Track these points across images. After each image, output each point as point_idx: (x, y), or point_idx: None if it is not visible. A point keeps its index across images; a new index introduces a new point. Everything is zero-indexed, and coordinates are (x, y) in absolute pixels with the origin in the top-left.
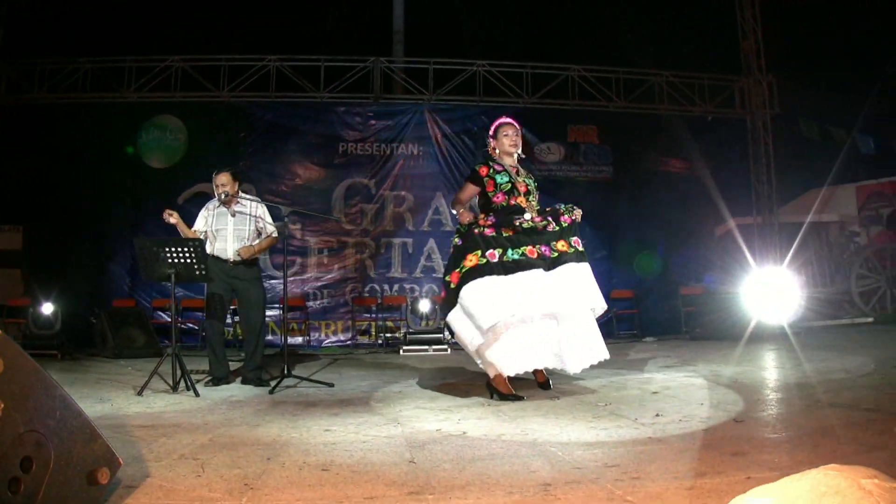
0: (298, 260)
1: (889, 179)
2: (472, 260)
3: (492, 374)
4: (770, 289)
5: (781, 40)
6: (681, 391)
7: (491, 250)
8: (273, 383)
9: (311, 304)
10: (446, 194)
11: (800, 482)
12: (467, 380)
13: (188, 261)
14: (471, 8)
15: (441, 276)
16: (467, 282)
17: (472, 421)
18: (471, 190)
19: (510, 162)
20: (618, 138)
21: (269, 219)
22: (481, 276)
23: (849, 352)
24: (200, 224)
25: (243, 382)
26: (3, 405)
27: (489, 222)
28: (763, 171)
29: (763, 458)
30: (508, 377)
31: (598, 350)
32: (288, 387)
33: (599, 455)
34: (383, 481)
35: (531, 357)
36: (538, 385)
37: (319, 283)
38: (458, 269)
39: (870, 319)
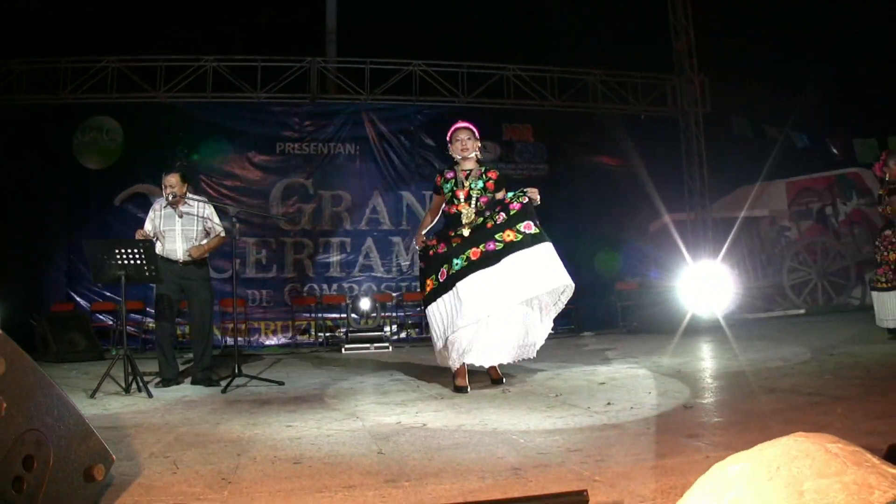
0: (237, 260)
1: (818, 175)
2: (429, 284)
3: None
4: (704, 283)
5: (714, 40)
6: (627, 381)
7: (442, 269)
8: (223, 383)
9: (250, 304)
10: (383, 193)
11: (772, 448)
12: (414, 376)
13: (138, 262)
14: (405, 7)
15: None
16: (428, 304)
17: (430, 414)
18: (436, 200)
19: (468, 165)
20: (553, 136)
21: (216, 219)
22: (436, 297)
23: (784, 342)
24: (149, 227)
25: (193, 383)
26: (5, 405)
27: (435, 242)
28: (695, 168)
29: (717, 440)
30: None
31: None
32: (239, 386)
33: (560, 441)
34: (357, 471)
35: (484, 355)
36: (491, 381)
37: (258, 283)
38: (422, 291)
39: (801, 311)
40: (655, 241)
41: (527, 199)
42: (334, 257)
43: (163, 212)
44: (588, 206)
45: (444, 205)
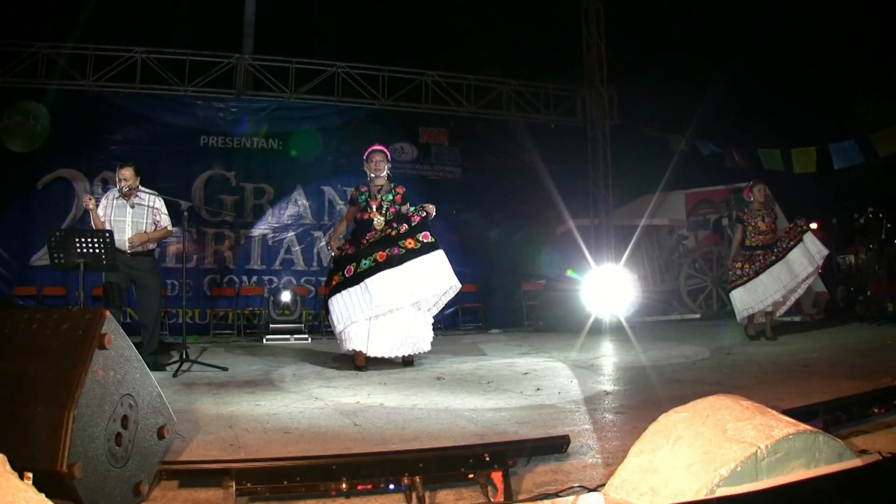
0: (158, 250)
1: (716, 188)
2: (335, 279)
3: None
4: (607, 286)
5: (624, 54)
6: (547, 372)
7: (349, 266)
8: (170, 368)
9: (169, 293)
10: (306, 188)
11: (702, 402)
12: (348, 365)
13: (97, 251)
14: (328, 9)
15: (299, 269)
16: (331, 296)
17: (381, 396)
18: (350, 210)
19: (379, 182)
20: (467, 141)
21: (165, 211)
22: (340, 290)
23: (683, 342)
24: (101, 211)
25: None
26: (112, 372)
27: (346, 245)
28: (601, 176)
29: (640, 415)
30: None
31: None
32: (184, 371)
33: (508, 416)
34: (346, 438)
35: (381, 346)
36: (402, 363)
37: (177, 274)
38: (327, 285)
39: (697, 315)
40: (561, 244)
41: (424, 214)
42: (255, 250)
43: (115, 202)
44: (498, 209)
45: (357, 213)
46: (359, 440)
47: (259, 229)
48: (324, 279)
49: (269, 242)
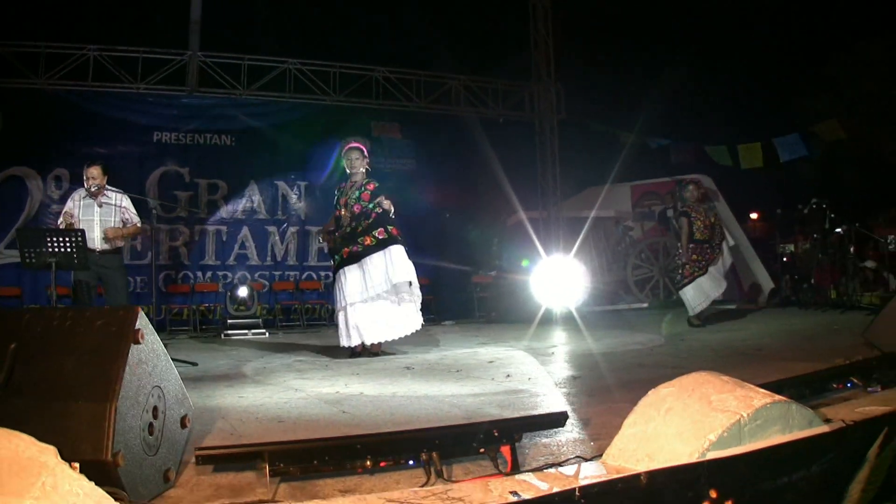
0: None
1: (660, 180)
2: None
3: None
4: (557, 276)
5: (572, 49)
6: (511, 360)
7: (332, 259)
8: None
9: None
10: (259, 183)
11: (687, 378)
12: (313, 357)
13: (68, 250)
14: (278, 6)
15: (253, 264)
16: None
17: (358, 385)
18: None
19: (355, 178)
20: (419, 134)
21: (133, 210)
22: (335, 275)
23: (636, 330)
24: (69, 206)
25: None
26: (146, 364)
27: (329, 238)
28: (549, 169)
29: (615, 397)
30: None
31: (413, 322)
32: None
33: (488, 400)
34: (340, 425)
35: (356, 334)
36: (368, 354)
37: (133, 270)
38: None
39: (645, 305)
40: (511, 235)
41: (381, 210)
42: (210, 245)
43: (82, 202)
44: (450, 201)
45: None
46: (353, 426)
47: (213, 225)
48: (277, 273)
49: (224, 238)
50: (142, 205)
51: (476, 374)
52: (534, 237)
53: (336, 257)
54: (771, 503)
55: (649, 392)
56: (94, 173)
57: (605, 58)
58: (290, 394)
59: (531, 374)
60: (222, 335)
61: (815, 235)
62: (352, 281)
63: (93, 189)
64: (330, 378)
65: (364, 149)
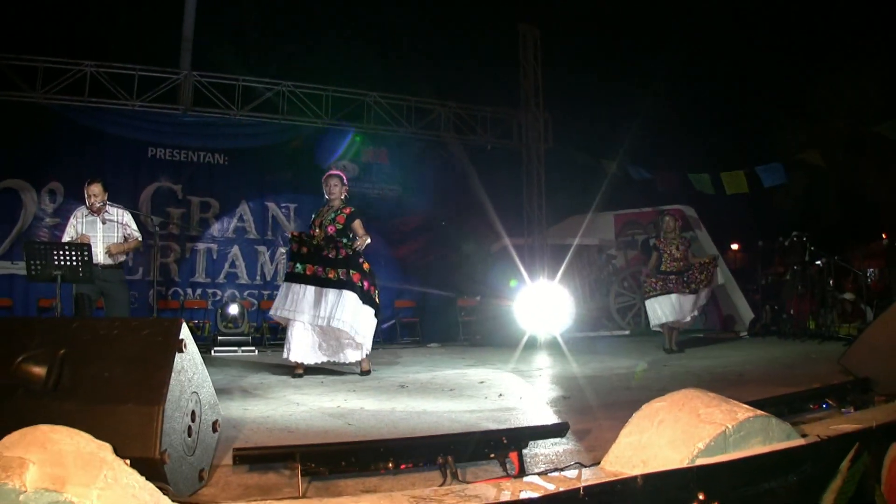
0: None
1: (643, 210)
2: (287, 267)
3: None
4: (542, 302)
5: (560, 79)
6: (500, 380)
7: (291, 263)
8: None
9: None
10: (250, 203)
11: (678, 394)
12: (309, 374)
13: (74, 264)
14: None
15: (243, 282)
16: (284, 282)
17: (357, 401)
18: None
19: (333, 204)
20: (407, 161)
21: (134, 225)
22: (287, 280)
23: (619, 356)
24: (72, 234)
25: None
26: (188, 372)
27: (298, 242)
28: (535, 197)
29: (603, 415)
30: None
31: (345, 354)
32: None
33: (485, 416)
34: (348, 436)
35: (304, 352)
36: (360, 373)
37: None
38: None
39: (626, 332)
40: (496, 261)
41: (352, 251)
42: (200, 263)
43: (84, 219)
44: (435, 227)
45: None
46: (360, 437)
47: (204, 243)
48: (266, 293)
49: (214, 256)
50: (144, 222)
51: (469, 393)
52: (518, 263)
53: (298, 267)
54: None
55: (643, 406)
56: (96, 191)
57: (590, 87)
58: (293, 407)
59: (522, 393)
60: (212, 351)
61: (795, 267)
62: (308, 298)
63: (95, 206)
64: (328, 394)
65: (344, 177)
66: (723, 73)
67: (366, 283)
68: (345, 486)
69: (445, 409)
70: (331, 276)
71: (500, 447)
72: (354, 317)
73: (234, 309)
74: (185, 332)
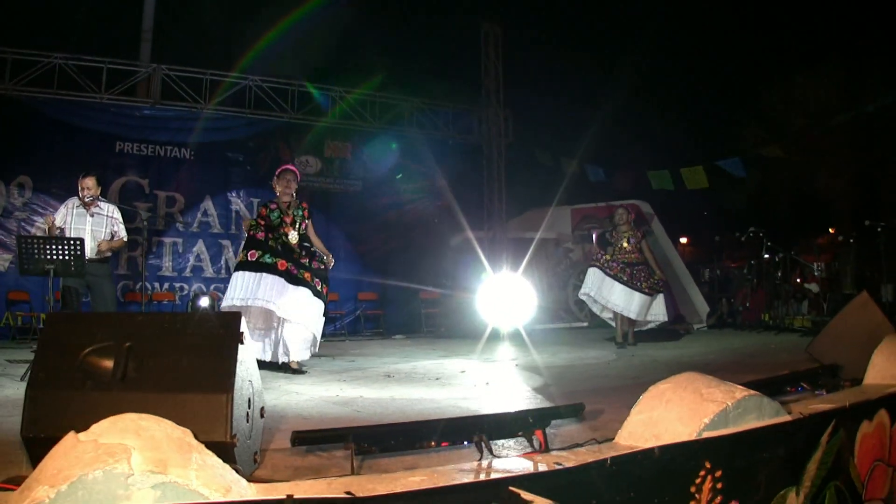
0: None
1: (599, 204)
2: (240, 256)
3: None
4: (504, 294)
5: (521, 76)
6: (481, 370)
7: (252, 251)
8: None
9: (84, 299)
10: (214, 198)
11: (680, 376)
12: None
13: (66, 258)
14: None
15: (208, 276)
16: (235, 271)
17: (352, 390)
18: (246, 222)
19: (286, 199)
20: (369, 155)
21: (121, 221)
22: (238, 270)
23: (585, 347)
24: (59, 219)
25: None
26: (244, 362)
27: (262, 233)
28: (495, 191)
29: (596, 399)
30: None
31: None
32: None
33: (481, 403)
34: (362, 421)
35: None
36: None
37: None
38: (237, 260)
39: (585, 324)
40: (457, 254)
41: (322, 266)
42: (166, 257)
43: (75, 210)
44: (397, 220)
45: (267, 230)
46: (375, 422)
47: (170, 237)
48: None
49: (180, 250)
50: (127, 215)
51: (456, 382)
52: (482, 256)
53: (267, 258)
54: (750, 473)
55: (650, 388)
56: (90, 184)
57: (552, 84)
58: (295, 397)
59: (508, 382)
60: None
61: (752, 262)
62: (274, 290)
63: (87, 199)
64: (321, 384)
65: (297, 173)
66: (679, 72)
67: (325, 290)
68: (386, 463)
69: (442, 397)
70: (305, 276)
71: (527, 426)
72: (316, 323)
73: (204, 301)
74: (244, 325)
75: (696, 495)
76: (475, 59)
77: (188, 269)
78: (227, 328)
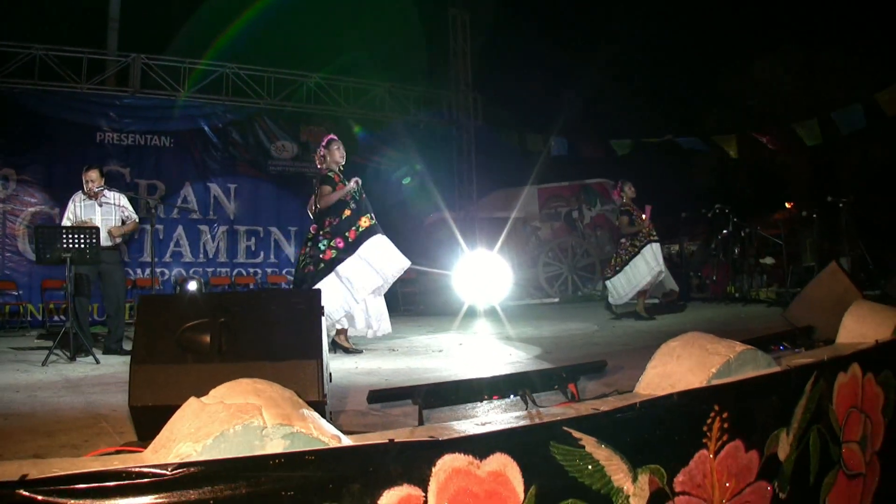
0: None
1: (566, 183)
2: (365, 221)
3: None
4: (479, 272)
5: (490, 58)
6: (476, 342)
7: (371, 214)
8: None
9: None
10: (193, 184)
11: (687, 335)
12: None
13: (82, 246)
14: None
15: (187, 261)
16: (368, 237)
17: (368, 363)
18: (327, 189)
19: (336, 170)
20: (344, 139)
21: (130, 207)
22: (377, 233)
23: (566, 320)
24: (71, 218)
25: (105, 352)
26: (323, 334)
27: (350, 210)
28: (465, 172)
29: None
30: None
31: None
32: None
33: (498, 369)
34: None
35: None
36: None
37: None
38: (355, 228)
39: (556, 300)
40: (431, 233)
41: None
42: (147, 242)
43: (83, 203)
44: (372, 201)
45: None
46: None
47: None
48: (210, 270)
49: (160, 236)
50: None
51: (459, 353)
52: (458, 235)
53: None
54: (750, 416)
55: (661, 346)
56: (93, 176)
57: (519, 66)
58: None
59: (507, 352)
60: None
61: (718, 237)
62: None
63: (93, 191)
64: (334, 358)
65: None
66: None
67: None
68: (444, 416)
69: (454, 365)
70: (364, 223)
71: (561, 380)
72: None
73: (192, 285)
74: (324, 301)
75: (708, 433)
76: (444, 44)
77: (168, 255)
78: (309, 303)
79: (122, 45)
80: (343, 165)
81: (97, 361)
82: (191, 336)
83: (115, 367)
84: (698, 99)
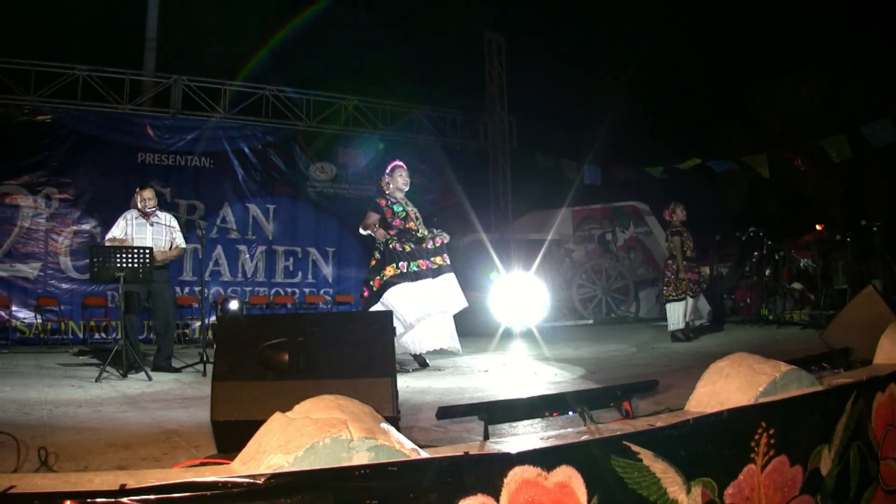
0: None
1: (599, 206)
2: (390, 271)
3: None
4: (515, 294)
5: (523, 84)
6: (519, 363)
7: (402, 262)
8: (186, 370)
9: (110, 304)
10: (232, 205)
11: (734, 356)
12: None
13: (135, 265)
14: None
15: (226, 280)
16: (389, 287)
17: (416, 383)
18: (373, 217)
19: (400, 196)
20: (382, 161)
21: (179, 230)
22: (400, 282)
23: (602, 342)
24: (117, 232)
25: (154, 370)
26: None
27: (398, 244)
28: (500, 194)
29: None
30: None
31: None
32: (198, 371)
33: (548, 388)
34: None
35: (432, 340)
36: (418, 363)
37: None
38: (379, 277)
39: (590, 321)
40: (466, 254)
41: (443, 240)
42: (187, 262)
43: (135, 221)
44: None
45: (394, 220)
46: (463, 401)
47: (190, 243)
48: (248, 289)
49: (200, 255)
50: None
51: (506, 374)
52: (494, 256)
53: (413, 266)
54: (795, 433)
55: (710, 365)
56: (149, 195)
57: (554, 90)
58: None
59: (550, 372)
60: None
61: (752, 260)
62: (430, 292)
63: (147, 210)
64: None
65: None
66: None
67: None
68: (501, 431)
69: (504, 385)
70: (439, 262)
71: (616, 398)
72: (462, 294)
73: (234, 304)
74: (393, 322)
75: (755, 448)
76: (480, 68)
77: (207, 274)
78: (381, 325)
79: (160, 65)
80: (404, 189)
81: (150, 378)
82: (270, 354)
83: (168, 384)
84: (728, 120)
